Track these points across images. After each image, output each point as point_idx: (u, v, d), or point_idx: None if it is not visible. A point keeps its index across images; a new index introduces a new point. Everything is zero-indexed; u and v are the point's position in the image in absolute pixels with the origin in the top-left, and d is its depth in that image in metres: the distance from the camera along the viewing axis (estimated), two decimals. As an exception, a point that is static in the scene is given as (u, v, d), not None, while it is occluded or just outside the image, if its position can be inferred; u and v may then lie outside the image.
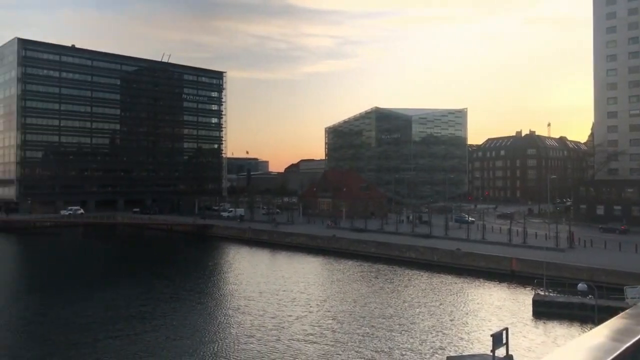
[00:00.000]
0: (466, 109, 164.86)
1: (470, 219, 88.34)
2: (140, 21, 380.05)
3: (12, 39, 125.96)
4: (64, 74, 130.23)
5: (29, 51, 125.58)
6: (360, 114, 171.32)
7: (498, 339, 23.04)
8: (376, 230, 79.62)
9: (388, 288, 49.23)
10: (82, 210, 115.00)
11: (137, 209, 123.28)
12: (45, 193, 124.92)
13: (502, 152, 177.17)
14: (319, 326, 36.15)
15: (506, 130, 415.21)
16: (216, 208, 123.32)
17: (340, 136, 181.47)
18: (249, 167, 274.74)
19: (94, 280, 53.89)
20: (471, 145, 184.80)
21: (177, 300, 44.15)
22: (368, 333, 34.52)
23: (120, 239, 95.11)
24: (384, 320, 37.77)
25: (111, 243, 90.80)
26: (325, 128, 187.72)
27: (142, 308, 41.37)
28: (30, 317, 39.24)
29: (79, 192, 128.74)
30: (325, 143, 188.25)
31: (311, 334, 34.24)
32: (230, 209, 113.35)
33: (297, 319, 38.07)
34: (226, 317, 39.09)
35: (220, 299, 45.97)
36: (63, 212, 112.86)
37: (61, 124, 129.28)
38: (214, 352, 31.11)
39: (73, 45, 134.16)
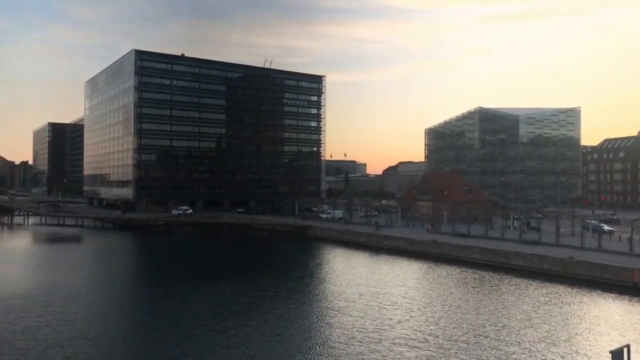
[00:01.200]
0: (579, 107, 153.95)
1: (607, 228, 79.91)
2: (242, 29, 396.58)
3: (130, 51, 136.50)
4: (174, 82, 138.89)
5: (144, 61, 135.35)
6: (462, 114, 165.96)
7: (618, 356, 20.57)
8: (480, 236, 76.09)
9: (493, 296, 46.64)
10: (191, 210, 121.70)
11: (242, 210, 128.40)
12: (158, 194, 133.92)
13: (621, 154, 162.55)
14: (421, 331, 34.95)
15: (625, 130, 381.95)
16: (315, 210, 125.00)
17: (441, 137, 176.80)
18: (347, 170, 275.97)
19: (202, 276, 56.46)
20: (585, 147, 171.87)
21: (279, 298, 44.92)
22: (472, 341, 32.76)
23: (225, 238, 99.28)
24: (489, 328, 35.71)
25: (217, 242, 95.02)
26: (425, 129, 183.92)
27: (247, 304, 42.56)
28: (147, 308, 41.84)
29: (188, 193, 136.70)
30: (425, 145, 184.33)
31: (413, 339, 33.17)
32: (329, 211, 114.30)
33: (398, 322, 37.12)
34: (327, 317, 39.04)
35: (321, 298, 46.08)
36: (174, 212, 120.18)
37: (172, 129, 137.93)
38: (317, 351, 31.09)
39: (182, 55, 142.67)
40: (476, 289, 49.46)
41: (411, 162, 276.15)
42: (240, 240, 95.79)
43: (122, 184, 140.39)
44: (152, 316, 39.12)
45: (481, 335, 33.98)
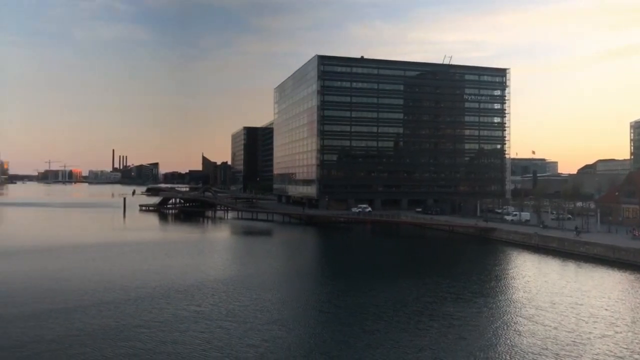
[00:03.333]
0: None
1: None
2: (421, 26, 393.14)
3: (313, 57, 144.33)
4: (354, 84, 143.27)
5: (326, 66, 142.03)
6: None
7: None
8: None
9: None
10: (369, 209, 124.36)
11: (419, 209, 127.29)
12: (339, 192, 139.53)
13: None
14: (629, 349, 30.66)
15: None
16: (499, 211, 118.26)
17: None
18: (535, 168, 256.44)
19: (382, 273, 57.11)
20: None
21: (463, 301, 43.29)
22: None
23: (403, 237, 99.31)
24: None
25: (395, 240, 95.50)
26: (630, 123, 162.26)
27: (429, 305, 41.86)
28: (332, 300, 43.63)
29: (367, 192, 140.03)
30: (631, 140, 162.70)
31: (619, 357, 29.26)
32: (515, 213, 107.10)
33: (599, 337, 33.13)
34: (515, 324, 36.48)
35: (508, 304, 43.24)
36: (353, 210, 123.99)
37: (352, 130, 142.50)
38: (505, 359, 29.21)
39: (362, 57, 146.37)
40: (702, 308, 41.85)
41: (613, 159, 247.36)
42: (418, 240, 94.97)
43: (306, 182, 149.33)
44: (337, 308, 40.66)
45: None
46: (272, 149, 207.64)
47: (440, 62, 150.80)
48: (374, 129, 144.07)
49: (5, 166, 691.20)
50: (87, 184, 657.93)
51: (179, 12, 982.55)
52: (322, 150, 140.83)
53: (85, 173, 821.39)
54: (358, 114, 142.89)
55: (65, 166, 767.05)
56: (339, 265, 66.16)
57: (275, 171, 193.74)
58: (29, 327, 34.49)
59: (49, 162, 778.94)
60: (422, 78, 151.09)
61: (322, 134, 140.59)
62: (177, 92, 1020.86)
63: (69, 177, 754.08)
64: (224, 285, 48.74)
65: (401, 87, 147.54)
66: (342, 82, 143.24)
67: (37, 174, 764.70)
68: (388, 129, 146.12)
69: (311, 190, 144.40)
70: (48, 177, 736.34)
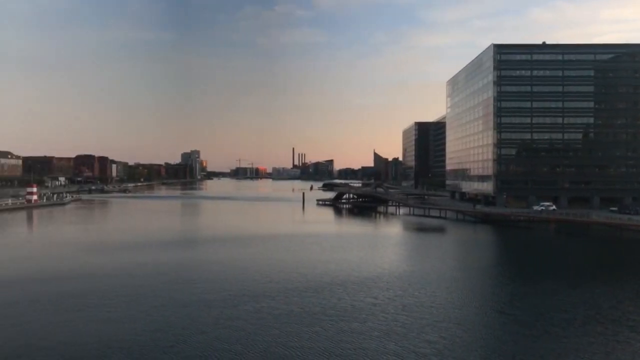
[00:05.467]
0: None
1: None
2: (613, 3, 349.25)
3: (489, 46, 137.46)
4: (535, 72, 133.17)
5: (503, 55, 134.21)
6: None
7: None
8: None
9: None
10: (554, 207, 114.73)
11: (614, 208, 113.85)
12: (518, 188, 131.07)
13: None
14: None
15: None
16: None
17: None
18: None
19: (568, 276, 52.42)
20: None
21: (671, 314, 37.75)
22: None
23: (594, 239, 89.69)
24: None
25: (584, 242, 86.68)
26: None
27: (629, 315, 37.38)
28: (512, 302, 41.38)
29: (551, 188, 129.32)
30: None
31: None
32: None
33: None
34: None
35: None
36: (535, 208, 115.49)
37: (533, 121, 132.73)
38: None
39: (543, 42, 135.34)
40: None
41: None
42: (612, 243, 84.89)
43: (482, 178, 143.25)
44: (518, 310, 38.43)
45: None
46: (444, 144, 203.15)
47: (639, 42, 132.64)
48: (559, 120, 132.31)
49: (204, 164, 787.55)
50: (270, 179, 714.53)
51: (350, 13, 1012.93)
52: (499, 144, 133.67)
53: (269, 170, 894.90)
54: (540, 104, 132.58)
55: (252, 164, 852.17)
56: (519, 265, 62.30)
57: (448, 167, 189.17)
58: (227, 307, 38.83)
59: (239, 161, 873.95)
60: (617, 61, 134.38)
61: (498, 127, 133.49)
62: (349, 90, 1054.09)
63: (255, 174, 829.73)
64: (399, 280, 49.23)
65: (591, 73, 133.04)
66: (521, 71, 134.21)
67: (229, 171, 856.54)
68: (575, 120, 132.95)
69: (487, 187, 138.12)
70: (238, 173, 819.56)
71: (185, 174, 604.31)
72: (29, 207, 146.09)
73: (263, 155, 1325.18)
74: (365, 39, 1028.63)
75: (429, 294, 43.43)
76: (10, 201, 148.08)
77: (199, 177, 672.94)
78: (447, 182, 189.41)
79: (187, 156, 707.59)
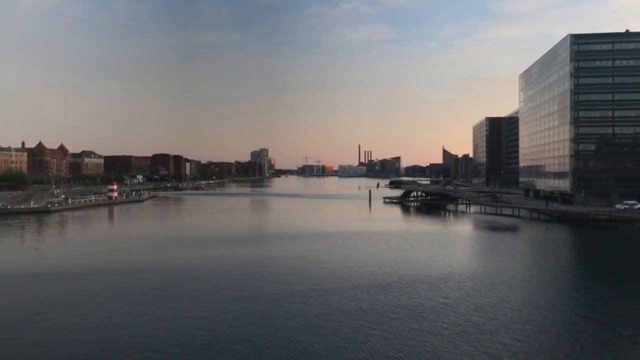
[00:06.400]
0: None
1: None
2: None
3: (565, 37, 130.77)
4: (617, 63, 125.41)
5: (581, 45, 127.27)
6: None
7: None
8: None
9: None
10: (639, 205, 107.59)
11: None
12: (598, 186, 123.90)
13: None
14: None
15: None
16: None
17: None
18: None
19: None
20: None
21: None
22: None
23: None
24: None
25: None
26: None
27: None
28: (594, 306, 39.36)
29: (635, 186, 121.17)
30: None
31: None
32: None
33: None
34: None
35: None
36: (618, 206, 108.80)
37: (615, 115, 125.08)
38: None
39: (627, 31, 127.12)
40: None
41: None
42: None
43: (557, 175, 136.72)
44: (602, 315, 36.40)
45: None
46: (517, 139, 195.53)
47: None
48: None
49: (272, 162, 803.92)
50: (336, 177, 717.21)
51: (417, 7, 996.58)
52: (577, 139, 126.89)
53: (335, 167, 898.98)
54: (623, 96, 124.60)
55: (318, 162, 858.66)
56: (600, 267, 59.02)
57: (521, 163, 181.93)
58: (297, 302, 39.46)
59: (306, 159, 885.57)
60: None
61: (576, 121, 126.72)
62: (417, 86, 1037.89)
63: (322, 172, 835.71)
64: (470, 279, 48.01)
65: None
66: (601, 62, 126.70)
67: (296, 168, 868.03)
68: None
69: (564, 184, 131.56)
70: (304, 171, 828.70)
71: (254, 171, 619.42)
72: (110, 203, 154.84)
73: (329, 152, 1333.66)
74: (433, 33, 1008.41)
75: (503, 294, 42.05)
76: (93, 198, 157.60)
77: (267, 174, 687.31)
78: (521, 179, 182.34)
79: (256, 154, 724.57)
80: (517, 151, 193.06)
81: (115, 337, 31.36)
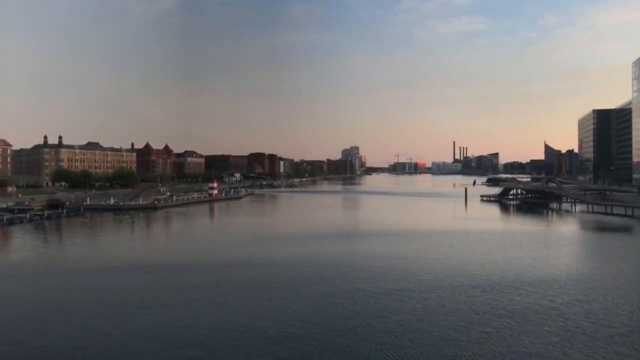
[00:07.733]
0: None
1: None
2: None
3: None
4: None
5: None
6: None
7: None
8: None
9: None
10: None
11: None
12: None
13: None
14: None
15: None
16: None
17: None
18: None
19: None
20: None
21: None
22: None
23: None
24: None
25: None
26: None
27: None
28: None
29: None
30: None
31: None
32: None
33: None
34: None
35: None
36: None
37: None
38: None
39: None
40: None
41: None
42: None
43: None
44: None
45: None
46: (629, 132, 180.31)
47: None
48: None
49: (363, 160, 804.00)
50: (430, 174, 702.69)
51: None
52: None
53: (428, 164, 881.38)
54: None
55: (411, 159, 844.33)
56: None
57: (635, 158, 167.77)
58: (393, 300, 39.04)
59: (398, 156, 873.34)
60: None
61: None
62: (515, 78, 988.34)
63: (414, 169, 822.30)
64: (578, 282, 44.86)
65: None
66: None
67: (387, 166, 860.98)
68: None
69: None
70: (396, 168, 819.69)
71: (345, 169, 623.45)
72: (210, 200, 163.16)
73: (422, 149, 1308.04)
74: (532, 22, 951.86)
75: (617, 299, 38.82)
76: (195, 195, 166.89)
77: (358, 172, 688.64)
78: (634, 175, 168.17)
79: (347, 152, 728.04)
80: (630, 145, 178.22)
81: (227, 325, 32.84)
